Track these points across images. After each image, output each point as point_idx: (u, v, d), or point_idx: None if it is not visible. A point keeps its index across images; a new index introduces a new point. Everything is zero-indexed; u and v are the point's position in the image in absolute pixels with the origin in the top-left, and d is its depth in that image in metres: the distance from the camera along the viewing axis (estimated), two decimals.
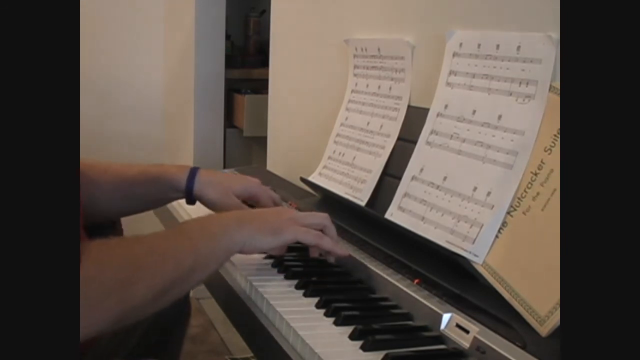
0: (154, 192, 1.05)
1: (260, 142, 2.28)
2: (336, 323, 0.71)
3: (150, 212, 1.24)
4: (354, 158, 1.13)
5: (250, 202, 1.06)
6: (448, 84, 0.94)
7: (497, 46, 0.86)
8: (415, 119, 1.00)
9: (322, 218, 0.86)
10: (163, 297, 0.71)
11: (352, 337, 0.67)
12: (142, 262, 0.70)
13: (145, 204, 1.08)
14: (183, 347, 1.24)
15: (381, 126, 1.09)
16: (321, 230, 0.84)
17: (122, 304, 0.65)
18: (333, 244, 0.83)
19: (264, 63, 2.19)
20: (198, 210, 1.03)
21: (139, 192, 1.04)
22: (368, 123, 1.13)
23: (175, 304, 1.18)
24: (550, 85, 0.78)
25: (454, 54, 0.93)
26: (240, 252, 0.80)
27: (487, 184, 0.82)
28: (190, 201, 1.04)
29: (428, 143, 0.95)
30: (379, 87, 1.13)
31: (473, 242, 0.81)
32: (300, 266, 0.86)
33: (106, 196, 1.02)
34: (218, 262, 0.78)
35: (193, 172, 1.03)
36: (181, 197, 1.05)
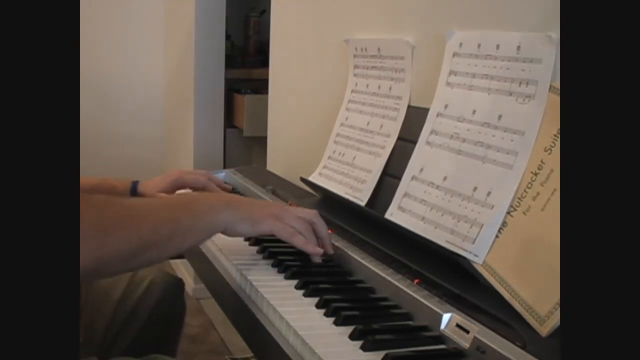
0: None
1: (260, 142, 2.28)
2: (336, 323, 0.71)
3: None
4: (354, 158, 1.13)
5: (186, 188, 1.20)
6: (448, 84, 0.94)
7: (497, 46, 0.86)
8: (415, 119, 1.00)
9: (304, 223, 0.88)
10: (138, 257, 0.74)
11: (352, 337, 0.67)
12: (121, 216, 0.73)
13: None
14: (180, 344, 1.24)
15: (381, 126, 1.09)
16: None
17: (98, 252, 0.68)
18: (304, 243, 0.86)
19: (264, 63, 2.19)
20: None
21: None
22: (368, 123, 1.13)
23: (171, 301, 1.19)
24: (550, 85, 0.78)
25: (454, 54, 0.93)
26: (223, 232, 0.84)
27: (487, 184, 0.82)
28: None
29: (428, 143, 0.95)
30: (379, 87, 1.13)
31: (473, 242, 0.81)
32: (300, 266, 0.86)
33: None
34: (198, 236, 0.82)
35: (134, 186, 1.16)
36: None
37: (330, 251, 0.89)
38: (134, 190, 1.16)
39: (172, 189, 1.19)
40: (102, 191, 1.14)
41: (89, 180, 1.14)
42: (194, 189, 1.20)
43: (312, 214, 0.90)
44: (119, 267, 0.75)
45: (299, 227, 0.87)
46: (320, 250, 0.87)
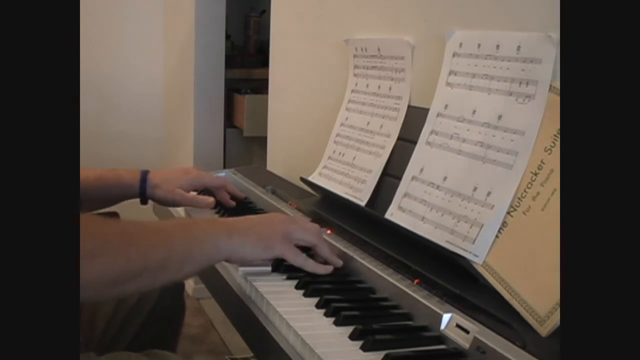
0: (109, 198, 1.13)
1: (260, 142, 2.28)
2: (336, 323, 0.71)
3: (149, 211, 1.25)
4: (354, 158, 1.13)
5: (206, 191, 1.18)
6: (448, 84, 0.94)
7: (497, 46, 0.86)
8: (415, 119, 1.00)
9: (313, 236, 0.86)
10: (125, 284, 0.69)
11: (352, 337, 0.67)
12: (109, 239, 0.69)
13: (97, 206, 1.14)
14: (179, 343, 1.25)
15: (381, 126, 1.09)
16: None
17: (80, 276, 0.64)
18: (315, 266, 0.84)
19: (264, 63, 2.19)
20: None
21: (95, 197, 1.10)
22: (368, 123, 1.13)
23: (170, 299, 1.19)
24: (550, 85, 0.78)
25: (454, 54, 0.93)
26: (227, 261, 0.81)
27: (487, 184, 0.82)
28: (144, 202, 1.15)
29: (428, 143, 0.95)
30: (379, 87, 1.13)
31: (473, 242, 0.81)
32: None
33: None
34: (195, 265, 0.77)
35: (144, 176, 1.11)
36: (135, 198, 1.14)
37: (340, 264, 0.87)
38: (143, 181, 1.11)
39: (190, 188, 1.15)
40: (107, 183, 1.11)
41: (92, 172, 1.10)
42: (213, 188, 1.17)
43: (315, 232, 0.88)
44: (101, 293, 0.69)
45: (313, 241, 0.86)
46: (330, 268, 0.85)
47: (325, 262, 0.87)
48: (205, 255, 0.77)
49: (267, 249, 0.82)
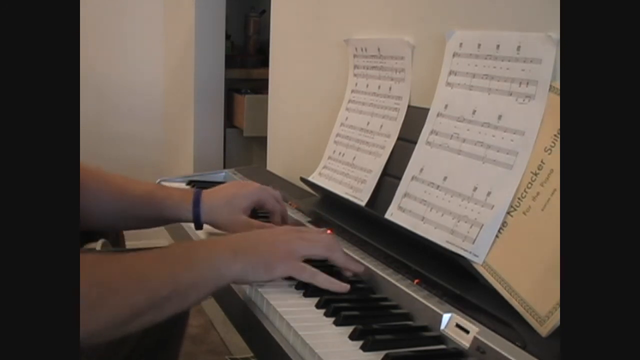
0: (155, 216, 1.03)
1: (260, 142, 2.28)
2: (336, 323, 0.71)
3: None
4: (354, 158, 1.13)
5: (257, 208, 1.05)
6: (448, 84, 0.94)
7: (497, 46, 0.86)
8: (415, 119, 1.00)
9: (322, 248, 0.81)
10: (132, 322, 0.69)
11: (352, 337, 0.67)
12: (113, 285, 0.68)
13: (142, 224, 1.06)
14: (182, 347, 1.24)
15: (381, 126, 1.09)
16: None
17: (88, 325, 0.63)
18: (329, 282, 0.79)
19: (264, 63, 2.19)
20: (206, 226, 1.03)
21: (139, 213, 1.02)
22: (368, 123, 1.13)
23: None
24: (550, 85, 0.78)
25: (454, 54, 0.93)
26: (233, 282, 0.79)
27: (487, 184, 0.82)
28: (198, 227, 1.03)
29: (428, 143, 0.95)
30: (379, 87, 1.13)
31: (473, 242, 0.81)
32: None
33: (102, 208, 1.00)
34: (200, 293, 0.74)
35: (197, 198, 1.00)
36: (189, 221, 1.03)
37: (360, 269, 0.83)
38: (197, 203, 0.99)
39: (251, 206, 1.02)
40: (156, 201, 1.01)
41: (139, 185, 1.02)
42: (269, 212, 1.05)
43: (326, 243, 0.82)
44: (111, 335, 0.69)
45: (324, 255, 0.82)
46: (346, 286, 0.79)
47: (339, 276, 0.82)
48: (210, 282, 0.75)
49: (268, 272, 0.77)
